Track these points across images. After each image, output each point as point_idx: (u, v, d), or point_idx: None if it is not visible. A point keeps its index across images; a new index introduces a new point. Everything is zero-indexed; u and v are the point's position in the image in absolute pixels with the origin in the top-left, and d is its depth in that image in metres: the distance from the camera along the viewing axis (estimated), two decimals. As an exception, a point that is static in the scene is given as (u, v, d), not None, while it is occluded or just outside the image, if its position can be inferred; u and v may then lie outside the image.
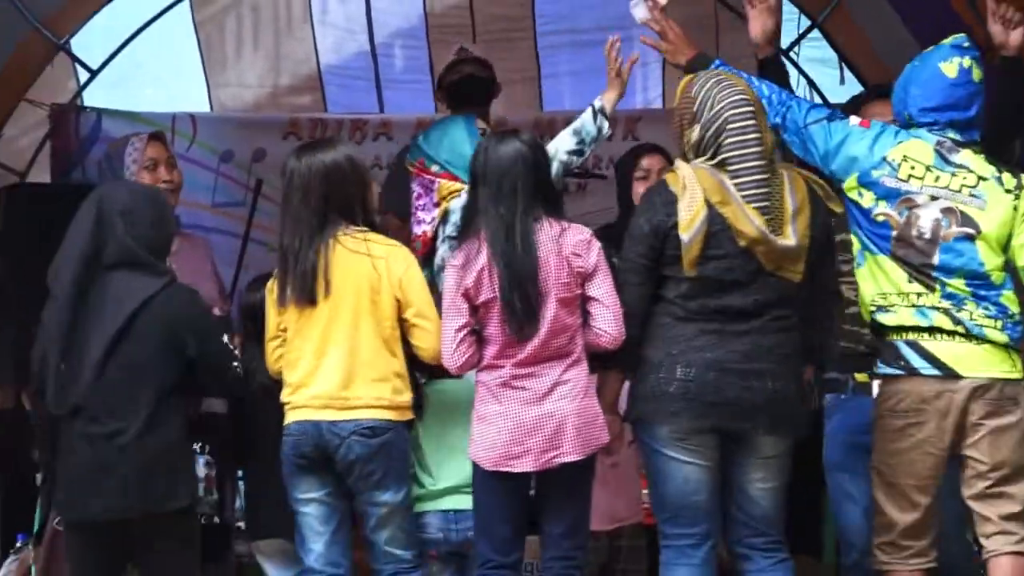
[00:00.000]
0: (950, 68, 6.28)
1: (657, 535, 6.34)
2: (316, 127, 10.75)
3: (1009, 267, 6.24)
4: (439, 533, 6.41)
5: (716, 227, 5.99)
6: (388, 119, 10.92)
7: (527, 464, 6.02)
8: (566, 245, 6.08)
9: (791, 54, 10.91)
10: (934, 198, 6.24)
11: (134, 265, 6.17)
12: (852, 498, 6.72)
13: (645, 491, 6.80)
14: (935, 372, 6.13)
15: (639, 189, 7.52)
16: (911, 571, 6.21)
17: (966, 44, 6.36)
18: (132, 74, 11.10)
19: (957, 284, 6.16)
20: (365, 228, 6.27)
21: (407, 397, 6.23)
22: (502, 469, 6.04)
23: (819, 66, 10.81)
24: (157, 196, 6.59)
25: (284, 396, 6.21)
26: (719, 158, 6.07)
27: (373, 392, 6.13)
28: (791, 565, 6.18)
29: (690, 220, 6.00)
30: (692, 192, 6.02)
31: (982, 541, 6.23)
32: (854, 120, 6.34)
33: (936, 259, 6.16)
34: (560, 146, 6.71)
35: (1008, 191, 6.24)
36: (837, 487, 6.84)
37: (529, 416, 6.03)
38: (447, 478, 6.39)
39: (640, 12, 6.92)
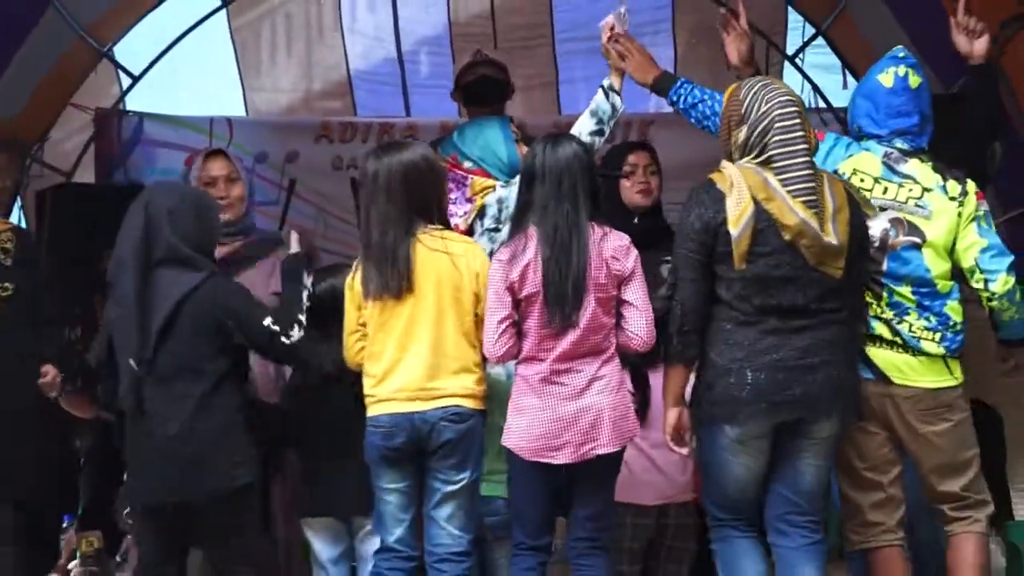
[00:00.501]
0: (886, 78, 6.32)
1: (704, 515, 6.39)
2: (346, 130, 10.77)
3: (956, 274, 6.24)
4: (506, 513, 6.36)
5: (763, 223, 5.96)
6: (414, 122, 10.93)
7: (565, 456, 5.99)
8: (607, 249, 6.05)
9: (796, 60, 10.94)
10: (883, 209, 6.26)
11: (178, 262, 6.19)
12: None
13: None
14: (871, 376, 6.19)
15: (626, 184, 7.58)
16: (886, 546, 6.23)
17: (901, 54, 6.39)
18: (172, 80, 11.10)
19: (904, 292, 6.18)
20: (440, 226, 6.26)
21: (484, 387, 6.20)
22: (542, 460, 6.01)
23: (823, 72, 10.81)
24: (201, 197, 6.60)
25: (367, 388, 6.14)
26: (764, 156, 6.03)
27: (457, 383, 6.09)
28: (824, 548, 6.14)
29: (739, 216, 5.96)
30: (739, 189, 5.98)
31: (945, 525, 6.30)
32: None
33: (884, 266, 6.18)
34: (582, 129, 6.72)
35: (952, 198, 6.23)
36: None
37: (568, 410, 5.99)
38: None
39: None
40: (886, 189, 6.25)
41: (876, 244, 6.15)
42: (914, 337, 6.16)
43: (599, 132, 6.78)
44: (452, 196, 6.92)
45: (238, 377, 6.26)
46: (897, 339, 6.16)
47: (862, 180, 6.25)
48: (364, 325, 6.18)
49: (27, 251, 6.87)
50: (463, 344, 6.13)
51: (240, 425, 6.23)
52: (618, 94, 6.81)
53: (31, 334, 6.99)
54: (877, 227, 6.17)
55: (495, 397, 6.36)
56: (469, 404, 6.10)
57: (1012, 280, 6.20)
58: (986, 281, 6.22)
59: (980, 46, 6.64)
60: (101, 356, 6.30)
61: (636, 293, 6.07)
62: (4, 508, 6.69)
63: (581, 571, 6.17)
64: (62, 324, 7.46)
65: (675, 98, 6.75)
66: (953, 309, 6.21)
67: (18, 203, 10.26)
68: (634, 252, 6.10)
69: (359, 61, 11.43)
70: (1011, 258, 6.23)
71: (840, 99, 10.12)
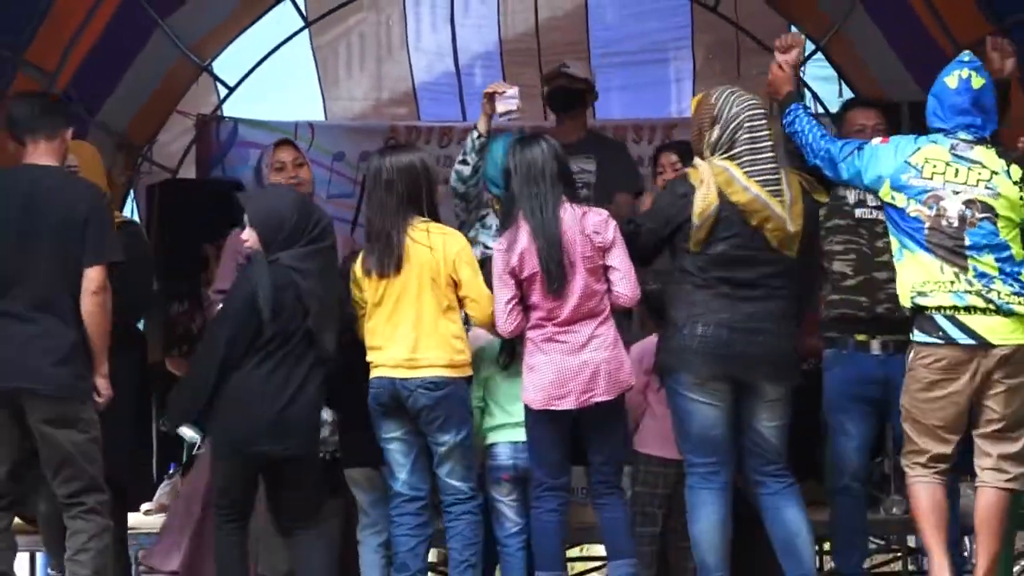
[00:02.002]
0: (952, 80, 6.19)
1: None
2: (411, 133, 10.72)
3: None
4: (509, 460, 6.35)
5: (726, 213, 6.00)
6: (469, 126, 10.86)
7: (569, 403, 6.03)
8: (587, 225, 6.10)
9: (799, 72, 10.91)
10: (956, 192, 6.17)
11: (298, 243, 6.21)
12: (848, 434, 6.63)
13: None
14: (970, 341, 6.00)
15: (659, 182, 7.59)
16: (935, 484, 6.09)
17: (966, 59, 6.26)
18: (262, 90, 11.08)
19: (987, 261, 6.02)
20: (428, 219, 6.27)
21: (466, 356, 6.21)
22: (549, 408, 6.06)
23: (822, 82, 10.69)
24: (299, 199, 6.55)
25: (368, 357, 6.21)
26: (732, 152, 6.07)
27: (434, 354, 6.12)
28: (798, 488, 6.15)
29: (703, 210, 6.02)
30: (708, 186, 6.03)
31: (978, 472, 6.12)
32: (875, 140, 6.26)
33: (967, 240, 6.03)
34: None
35: (1016, 183, 6.12)
36: (835, 425, 6.74)
37: (570, 364, 6.04)
38: (517, 413, 6.32)
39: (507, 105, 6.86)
40: (957, 172, 6.09)
41: (955, 223, 6.02)
42: (1006, 302, 5.99)
43: (463, 162, 6.88)
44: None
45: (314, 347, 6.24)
46: (990, 305, 5.98)
47: (935, 167, 6.09)
48: (365, 302, 6.22)
49: (133, 246, 6.82)
50: (442, 320, 6.17)
51: (322, 397, 6.27)
52: (477, 131, 6.86)
53: (132, 319, 6.98)
54: (954, 207, 6.06)
55: (492, 361, 6.44)
56: (447, 373, 6.13)
57: None
58: None
59: (1009, 65, 6.58)
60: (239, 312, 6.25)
61: (618, 258, 6.13)
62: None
63: (602, 510, 6.22)
64: (165, 304, 7.43)
65: (785, 120, 6.52)
66: None
67: (131, 196, 10.34)
68: (612, 223, 6.17)
69: (422, 74, 11.39)
70: None
71: (836, 106, 10.09)
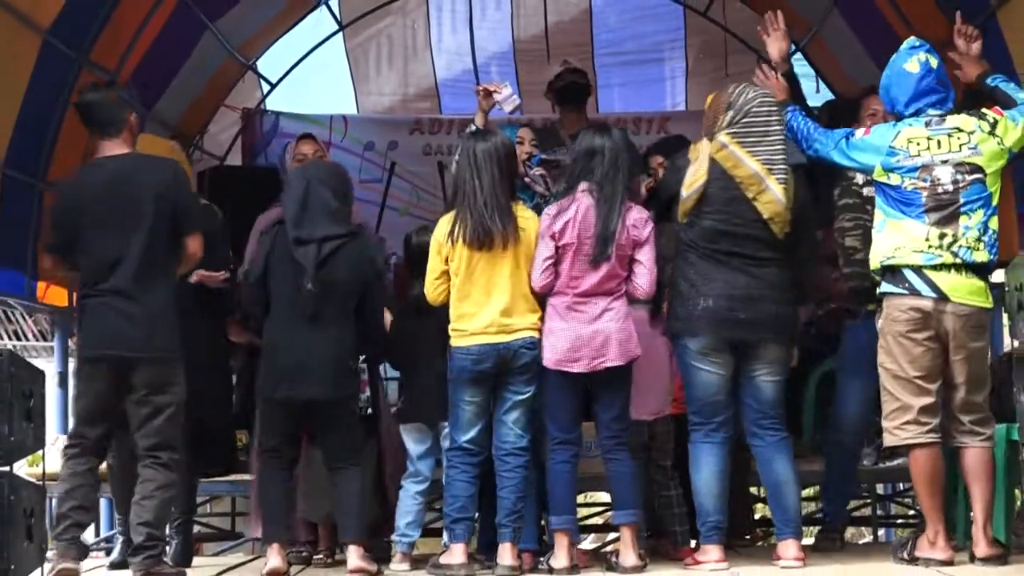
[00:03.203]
0: (912, 65, 6.10)
1: (682, 424, 6.37)
2: (434, 125, 10.77)
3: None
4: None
5: (713, 189, 6.02)
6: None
7: (581, 367, 6.05)
8: (629, 219, 6.10)
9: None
10: (944, 161, 6.07)
11: (331, 220, 6.25)
12: (851, 396, 6.59)
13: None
14: (932, 294, 5.92)
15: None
16: (931, 444, 5.98)
17: (917, 43, 6.19)
18: (301, 86, 11.13)
19: (978, 215, 5.97)
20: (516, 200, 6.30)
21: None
22: (563, 369, 6.06)
23: (801, 79, 10.64)
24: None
25: (458, 323, 6.13)
26: (738, 131, 6.05)
27: (527, 320, 6.11)
28: (789, 440, 6.18)
29: (692, 183, 6.05)
30: (701, 162, 6.05)
31: (956, 435, 6.03)
32: (859, 132, 6.21)
33: (961, 200, 5.96)
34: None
35: (989, 133, 6.05)
36: (843, 385, 6.71)
37: (585, 332, 6.05)
38: None
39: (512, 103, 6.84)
40: (940, 143, 6.03)
41: (950, 188, 5.96)
42: (968, 251, 5.93)
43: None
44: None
45: (358, 311, 6.28)
46: (956, 260, 5.93)
47: (919, 143, 6.04)
48: (446, 272, 6.15)
49: (210, 220, 6.85)
50: (530, 292, 6.16)
51: (356, 350, 6.29)
52: (477, 127, 6.69)
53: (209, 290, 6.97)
54: (946, 174, 5.99)
55: None
56: (535, 335, 6.13)
57: None
58: None
59: (976, 46, 6.43)
60: (252, 279, 6.36)
61: (646, 255, 6.13)
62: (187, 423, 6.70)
63: (611, 464, 6.22)
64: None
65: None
66: (994, 222, 6.02)
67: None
68: (650, 224, 6.17)
69: (443, 72, 11.42)
70: None
71: (815, 100, 10.03)
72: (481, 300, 6.11)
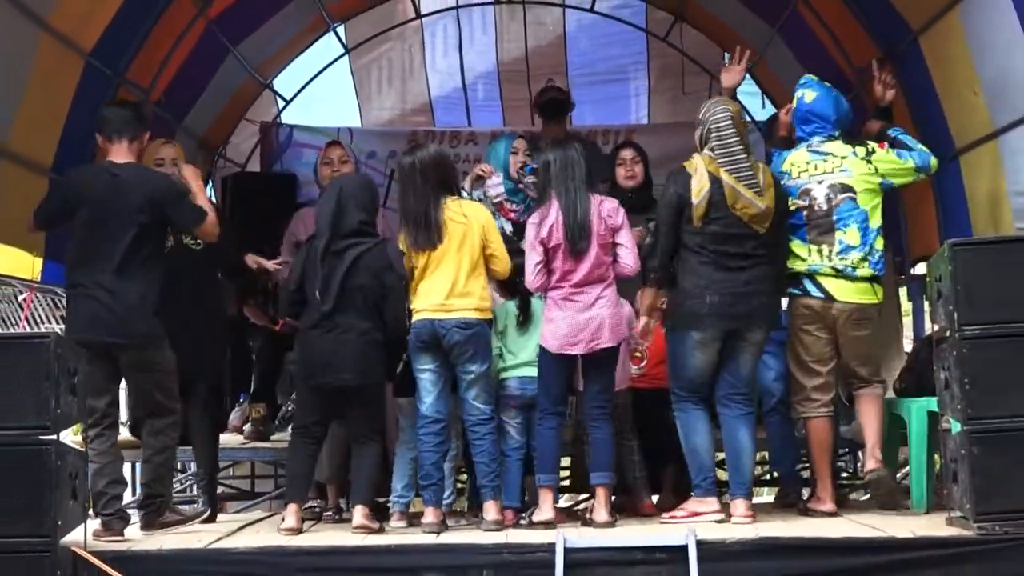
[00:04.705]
0: (794, 101, 6.44)
1: (637, 396, 6.59)
2: (428, 136, 10.73)
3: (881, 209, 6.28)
4: (517, 391, 6.41)
5: (717, 196, 6.05)
6: (474, 131, 10.88)
7: (579, 349, 6.09)
8: (603, 210, 6.14)
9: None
10: (820, 181, 6.27)
11: (358, 231, 6.25)
12: (769, 367, 6.64)
13: (634, 367, 6.83)
14: (820, 295, 6.19)
15: (619, 171, 7.60)
16: (820, 417, 6.28)
17: (803, 81, 6.49)
18: (312, 102, 11.07)
19: (852, 231, 6.15)
20: (455, 196, 6.31)
21: (488, 303, 6.24)
22: (564, 352, 6.10)
23: (749, 96, 10.62)
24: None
25: (412, 305, 6.21)
26: (709, 147, 6.13)
27: (464, 301, 6.14)
28: (753, 415, 6.25)
29: (698, 191, 6.08)
30: (701, 173, 6.10)
31: (852, 390, 6.40)
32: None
33: (835, 217, 6.16)
34: None
35: (862, 158, 6.24)
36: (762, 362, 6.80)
37: (581, 318, 6.08)
38: (522, 356, 6.41)
39: (496, 189, 7.30)
40: (816, 166, 6.26)
41: (825, 207, 6.17)
42: (852, 268, 6.15)
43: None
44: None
45: (380, 311, 6.27)
46: (839, 273, 6.17)
47: (800, 167, 6.28)
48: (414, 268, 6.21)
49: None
50: (471, 274, 6.16)
51: (380, 342, 6.26)
52: (466, 191, 6.91)
53: (214, 273, 7.00)
54: (821, 193, 6.20)
55: (507, 318, 6.46)
56: (473, 316, 6.13)
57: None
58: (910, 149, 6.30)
59: (890, 94, 6.67)
60: (292, 286, 6.33)
61: (625, 237, 6.16)
62: (202, 386, 6.72)
63: (593, 431, 6.24)
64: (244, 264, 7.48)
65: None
66: (878, 241, 6.20)
67: (210, 184, 10.31)
68: (622, 211, 6.20)
69: (436, 90, 11.36)
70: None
71: (760, 115, 10.11)
72: (427, 286, 6.18)
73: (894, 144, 6.40)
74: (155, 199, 6.08)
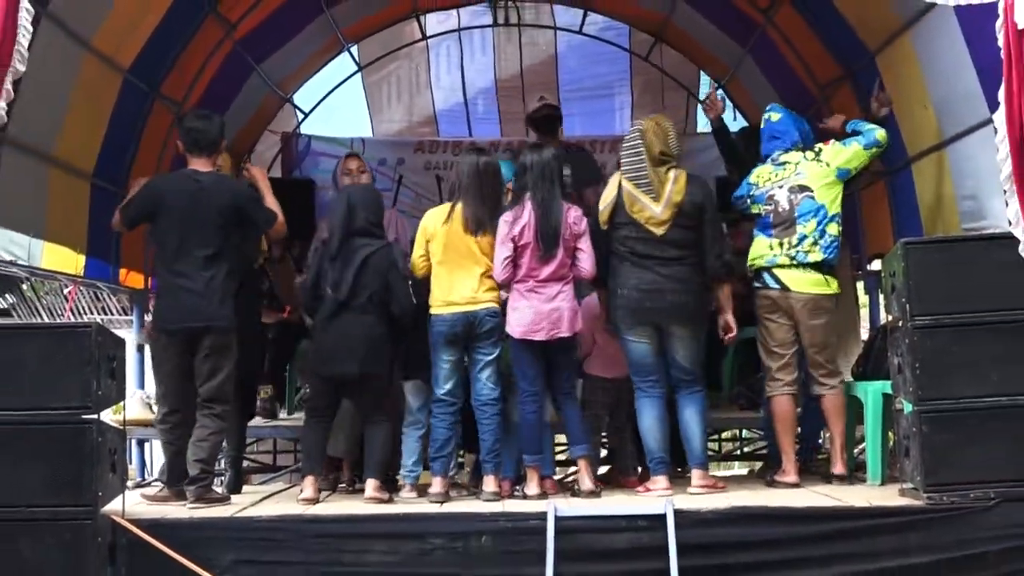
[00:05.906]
0: (763, 123, 6.51)
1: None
2: (433, 146, 10.76)
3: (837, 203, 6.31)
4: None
5: (619, 202, 6.12)
6: (474, 141, 10.88)
7: (541, 336, 6.07)
8: (569, 217, 6.12)
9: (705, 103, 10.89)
10: (781, 187, 6.32)
11: (366, 233, 6.26)
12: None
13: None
14: (777, 287, 6.24)
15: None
16: (784, 395, 6.30)
17: (769, 107, 6.58)
18: (328, 114, 11.10)
19: (811, 225, 6.21)
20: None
21: (501, 296, 6.24)
22: (527, 338, 6.08)
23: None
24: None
25: (436, 297, 6.18)
26: (623, 162, 6.20)
27: (489, 295, 6.16)
28: (703, 394, 6.22)
29: (605, 197, 6.20)
30: (610, 187, 6.20)
31: (815, 386, 6.32)
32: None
33: (796, 213, 6.22)
34: None
35: (814, 159, 6.32)
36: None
37: (543, 309, 6.06)
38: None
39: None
40: (776, 174, 6.36)
41: (787, 207, 6.24)
42: (804, 254, 6.19)
43: None
44: None
45: (387, 306, 6.26)
46: (794, 262, 6.21)
47: (765, 178, 6.38)
48: (427, 253, 6.20)
49: None
50: (485, 274, 6.17)
51: (389, 334, 6.26)
52: None
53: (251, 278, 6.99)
54: (783, 196, 6.28)
55: None
56: (495, 306, 6.16)
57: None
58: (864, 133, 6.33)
59: (884, 111, 6.66)
60: (310, 283, 6.33)
61: (585, 243, 6.14)
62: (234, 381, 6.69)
63: (563, 409, 6.25)
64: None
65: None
66: (831, 226, 6.24)
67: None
68: (584, 219, 6.18)
69: (441, 104, 11.36)
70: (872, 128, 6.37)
71: (733, 127, 10.06)
72: (452, 280, 6.17)
73: (853, 134, 6.42)
74: (236, 204, 6.17)
